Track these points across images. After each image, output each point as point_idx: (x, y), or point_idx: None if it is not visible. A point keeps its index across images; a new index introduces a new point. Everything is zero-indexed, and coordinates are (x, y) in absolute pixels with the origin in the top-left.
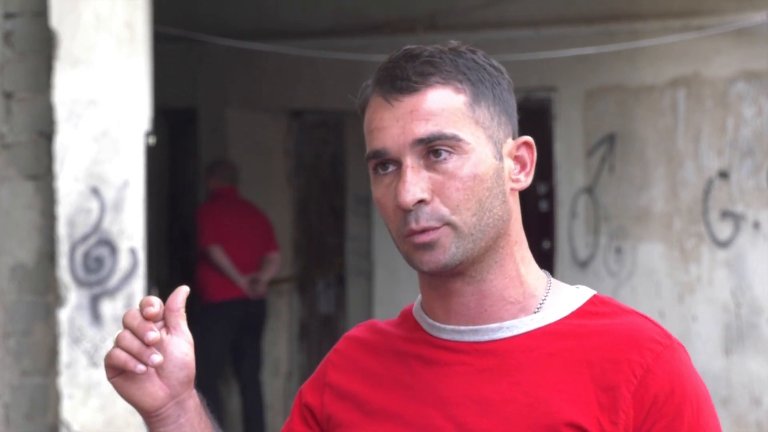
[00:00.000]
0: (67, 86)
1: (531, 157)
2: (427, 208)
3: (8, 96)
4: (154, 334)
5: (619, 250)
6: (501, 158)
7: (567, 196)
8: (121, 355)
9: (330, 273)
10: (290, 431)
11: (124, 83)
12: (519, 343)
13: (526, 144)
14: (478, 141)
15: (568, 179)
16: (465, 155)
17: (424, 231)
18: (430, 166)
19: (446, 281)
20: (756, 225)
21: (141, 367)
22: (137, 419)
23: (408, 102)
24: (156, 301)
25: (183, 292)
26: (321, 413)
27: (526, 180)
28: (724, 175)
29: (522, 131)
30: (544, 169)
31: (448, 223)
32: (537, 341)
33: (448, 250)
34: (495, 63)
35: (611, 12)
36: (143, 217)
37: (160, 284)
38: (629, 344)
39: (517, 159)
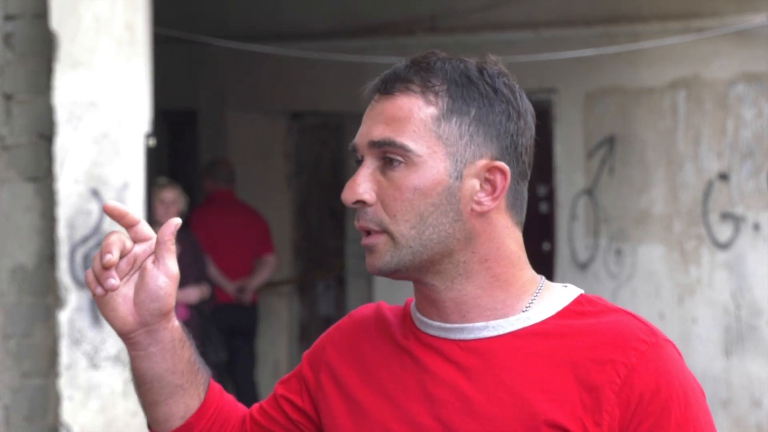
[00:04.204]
0: (67, 88)
1: (503, 184)
2: (369, 210)
3: (8, 98)
4: (109, 256)
5: (619, 252)
6: (459, 177)
7: (567, 198)
8: (89, 276)
9: (330, 275)
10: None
11: (124, 85)
12: (504, 342)
13: (499, 169)
14: (432, 156)
15: (568, 181)
16: (413, 167)
17: (367, 233)
18: (384, 172)
19: (418, 286)
20: (756, 227)
21: (99, 290)
22: (137, 421)
23: (382, 104)
24: (116, 246)
25: (173, 224)
26: (314, 388)
27: (491, 204)
28: (724, 177)
29: None
30: (544, 171)
31: (387, 231)
32: (522, 341)
33: (383, 257)
34: (501, 86)
35: (611, 14)
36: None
37: None
38: (614, 344)
39: (487, 181)
